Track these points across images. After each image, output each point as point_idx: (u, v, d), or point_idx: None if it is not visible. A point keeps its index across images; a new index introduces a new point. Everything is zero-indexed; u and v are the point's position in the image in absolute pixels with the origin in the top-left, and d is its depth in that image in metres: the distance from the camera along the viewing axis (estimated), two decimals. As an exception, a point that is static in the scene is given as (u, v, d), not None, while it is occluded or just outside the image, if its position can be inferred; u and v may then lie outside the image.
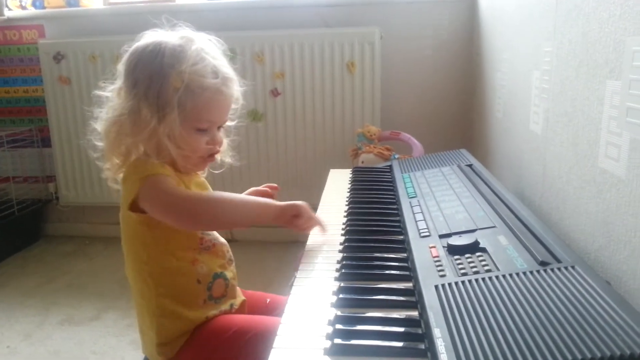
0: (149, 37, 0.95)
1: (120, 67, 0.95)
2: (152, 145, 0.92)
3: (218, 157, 1.01)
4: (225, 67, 0.96)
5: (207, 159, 0.98)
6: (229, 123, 1.04)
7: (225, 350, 0.92)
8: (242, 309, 1.04)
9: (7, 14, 2.43)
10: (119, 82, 0.95)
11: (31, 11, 2.45)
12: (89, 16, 2.41)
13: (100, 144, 0.98)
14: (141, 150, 0.95)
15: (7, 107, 2.58)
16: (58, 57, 2.36)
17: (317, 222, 0.96)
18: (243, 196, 1.00)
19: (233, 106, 1.01)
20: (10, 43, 2.50)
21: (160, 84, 0.90)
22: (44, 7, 2.43)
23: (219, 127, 0.98)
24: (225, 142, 1.04)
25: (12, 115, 2.59)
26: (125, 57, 0.95)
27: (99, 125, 0.97)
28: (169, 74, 0.90)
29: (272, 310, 1.05)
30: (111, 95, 0.96)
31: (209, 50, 0.95)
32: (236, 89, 0.98)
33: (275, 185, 1.12)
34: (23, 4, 2.47)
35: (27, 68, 2.52)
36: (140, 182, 0.88)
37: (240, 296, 1.06)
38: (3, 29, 2.48)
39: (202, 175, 1.05)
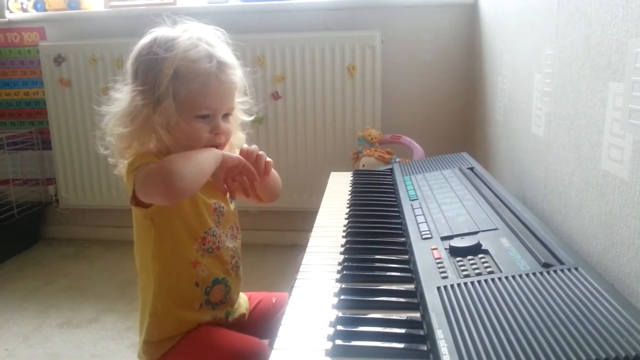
0: (151, 33, 0.95)
1: (127, 65, 0.97)
2: (152, 137, 0.92)
3: (227, 148, 1.00)
4: (223, 54, 0.95)
5: (211, 148, 0.95)
6: (244, 117, 1.04)
7: None
8: (241, 319, 1.04)
9: (9, 16, 2.44)
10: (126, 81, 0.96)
11: (32, 14, 2.45)
12: (89, 19, 2.42)
13: (102, 149, 0.99)
14: (148, 144, 0.95)
15: (7, 109, 2.58)
16: (59, 60, 2.36)
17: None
18: (194, 151, 0.92)
19: (240, 96, 1.00)
20: (11, 45, 2.50)
21: (155, 74, 0.91)
22: (45, 10, 2.43)
23: (225, 117, 0.97)
24: (241, 135, 1.03)
25: (12, 118, 2.59)
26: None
27: (106, 124, 0.97)
28: (162, 63, 0.90)
29: (279, 309, 1.04)
30: (120, 95, 0.96)
31: (206, 38, 0.95)
32: (237, 75, 0.96)
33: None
34: (24, 6, 2.48)
35: (28, 70, 2.52)
36: (133, 174, 0.88)
37: (240, 308, 1.05)
38: (4, 31, 2.49)
39: None
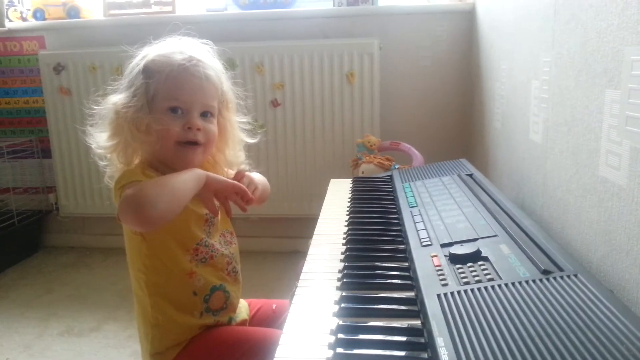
0: None
1: None
2: (129, 143, 0.93)
3: (223, 164, 1.01)
4: (201, 53, 0.95)
5: (185, 146, 0.93)
6: (244, 138, 1.04)
7: None
8: (242, 325, 1.04)
9: (8, 25, 2.45)
10: None
11: (32, 22, 2.46)
12: (89, 27, 2.43)
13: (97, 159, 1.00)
14: (131, 156, 0.95)
15: (7, 117, 2.59)
16: (58, 68, 2.37)
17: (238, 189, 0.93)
18: (172, 175, 0.89)
19: (239, 116, 1.01)
20: (11, 54, 2.51)
21: (132, 74, 0.93)
22: (44, 19, 2.45)
23: (204, 115, 0.95)
24: (241, 154, 1.04)
25: (12, 126, 2.60)
26: None
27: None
28: (137, 64, 0.93)
29: (280, 315, 1.05)
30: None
31: (189, 43, 0.96)
32: (213, 72, 0.95)
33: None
34: (24, 15, 2.49)
35: (28, 79, 2.53)
36: (120, 191, 0.87)
37: (242, 313, 1.05)
38: (4, 40, 2.49)
39: None
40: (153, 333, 0.94)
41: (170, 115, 0.92)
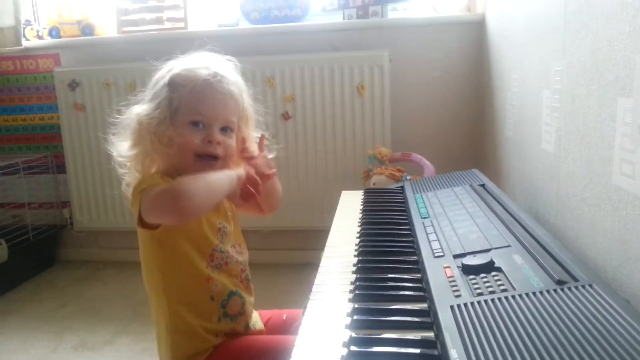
0: None
1: None
2: (149, 153, 0.94)
3: (232, 166, 1.02)
4: (225, 69, 0.98)
5: (204, 159, 0.96)
6: (254, 134, 1.05)
7: None
8: (260, 334, 1.04)
9: (25, 43, 2.50)
10: None
11: (47, 40, 2.51)
12: (103, 44, 2.47)
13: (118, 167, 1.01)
14: (150, 164, 0.97)
15: (23, 134, 2.63)
16: (73, 85, 2.41)
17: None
18: (207, 174, 0.93)
19: (255, 130, 1.02)
20: (27, 72, 2.56)
21: (157, 87, 0.95)
22: (60, 37, 2.49)
23: (224, 130, 0.98)
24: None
25: (28, 142, 2.64)
26: None
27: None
28: (162, 77, 0.95)
29: (290, 325, 1.04)
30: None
31: (214, 59, 0.98)
32: (236, 88, 0.98)
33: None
34: (40, 34, 2.54)
35: (43, 96, 2.57)
36: (139, 195, 0.89)
37: (258, 322, 1.05)
38: (21, 58, 2.55)
39: None
40: (172, 339, 0.94)
41: (191, 128, 0.94)
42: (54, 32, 2.50)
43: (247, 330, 1.01)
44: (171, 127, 0.93)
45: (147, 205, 0.88)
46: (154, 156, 0.96)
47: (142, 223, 0.91)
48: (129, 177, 1.00)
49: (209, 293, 0.95)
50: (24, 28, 2.51)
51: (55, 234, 2.64)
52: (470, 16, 2.18)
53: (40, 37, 2.54)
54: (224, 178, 0.92)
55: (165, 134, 0.93)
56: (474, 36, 2.17)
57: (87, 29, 2.47)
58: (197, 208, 0.87)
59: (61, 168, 2.57)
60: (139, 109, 0.96)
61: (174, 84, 0.94)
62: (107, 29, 2.51)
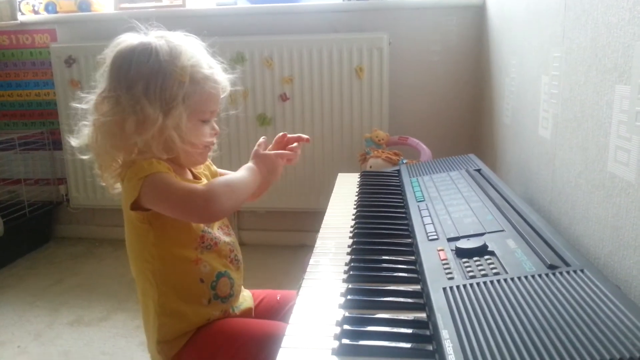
0: (129, 40, 0.97)
1: (105, 73, 0.97)
2: (160, 142, 0.93)
3: (215, 147, 1.04)
4: (210, 58, 1.00)
5: (205, 150, 1.01)
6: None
7: (227, 352, 0.93)
8: (248, 314, 1.04)
9: (21, 18, 2.47)
10: (102, 88, 0.96)
11: (43, 15, 2.48)
12: (100, 21, 2.44)
13: (84, 157, 1.00)
14: (135, 151, 0.95)
15: (19, 109, 2.61)
16: (69, 61, 2.39)
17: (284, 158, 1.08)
18: (236, 174, 1.01)
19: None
20: (23, 47, 2.54)
21: (161, 81, 0.92)
22: (56, 12, 2.46)
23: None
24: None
25: (24, 118, 2.62)
26: (108, 62, 0.96)
27: (86, 137, 0.98)
28: (171, 70, 0.92)
29: (284, 306, 1.06)
30: (94, 104, 0.97)
31: (195, 45, 0.99)
32: (225, 77, 1.01)
33: (307, 137, 1.19)
34: (36, 8, 2.51)
35: (39, 71, 2.55)
36: (141, 181, 0.89)
37: (246, 302, 1.06)
38: (16, 33, 2.52)
39: (200, 169, 1.07)
40: (160, 321, 0.95)
41: (202, 124, 0.98)
42: (50, 7, 2.47)
43: (234, 311, 1.02)
44: (189, 124, 0.94)
45: (163, 196, 0.89)
46: (154, 148, 0.94)
47: (135, 206, 0.91)
48: (106, 169, 0.99)
49: (198, 275, 0.96)
50: (20, 2, 2.48)
51: (51, 211, 2.64)
52: (471, 0, 2.17)
53: (36, 12, 2.51)
54: (252, 181, 0.99)
55: (186, 132, 0.94)
56: (475, 20, 2.15)
57: (83, 5, 2.43)
58: (226, 213, 0.95)
59: (57, 144, 2.56)
60: (150, 107, 0.91)
61: (192, 82, 0.93)
62: (104, 5, 2.48)
